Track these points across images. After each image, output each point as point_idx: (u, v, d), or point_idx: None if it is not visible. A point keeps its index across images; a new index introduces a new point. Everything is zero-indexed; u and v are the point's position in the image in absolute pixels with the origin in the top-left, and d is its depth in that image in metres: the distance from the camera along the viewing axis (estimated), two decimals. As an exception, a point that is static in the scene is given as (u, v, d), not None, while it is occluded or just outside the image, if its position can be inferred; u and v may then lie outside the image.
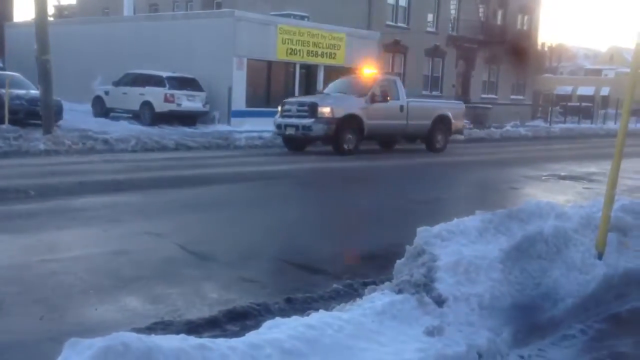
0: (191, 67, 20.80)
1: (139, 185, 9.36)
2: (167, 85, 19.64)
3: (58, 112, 15.92)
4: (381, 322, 3.33)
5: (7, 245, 5.71)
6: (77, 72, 24.11)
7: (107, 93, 21.23)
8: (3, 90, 15.97)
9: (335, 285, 4.72)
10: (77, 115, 18.90)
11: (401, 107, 16.16)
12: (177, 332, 3.60)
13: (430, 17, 32.23)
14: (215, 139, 16.48)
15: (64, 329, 3.81)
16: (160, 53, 22.13)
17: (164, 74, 20.01)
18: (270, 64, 22.55)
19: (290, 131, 15.13)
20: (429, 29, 32.04)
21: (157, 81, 19.86)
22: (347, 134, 14.86)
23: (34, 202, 7.71)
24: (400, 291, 3.61)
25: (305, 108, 14.92)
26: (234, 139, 16.78)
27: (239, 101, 21.27)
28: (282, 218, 7.60)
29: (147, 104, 19.65)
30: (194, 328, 3.86)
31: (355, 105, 15.20)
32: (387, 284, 3.86)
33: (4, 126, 15.06)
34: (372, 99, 15.42)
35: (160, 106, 19.41)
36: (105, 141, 14.10)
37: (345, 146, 14.85)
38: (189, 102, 19.92)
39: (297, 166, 12.92)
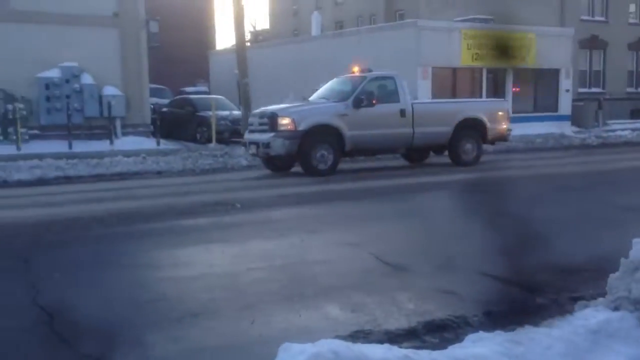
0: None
1: (327, 197, 9.73)
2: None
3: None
4: (595, 342, 3.08)
5: (219, 254, 6.25)
6: (272, 92, 25.71)
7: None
8: (210, 113, 17.61)
9: (538, 300, 4.47)
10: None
11: (402, 112, 12.67)
12: (377, 341, 3.67)
13: (632, 7, 29.42)
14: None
15: (272, 334, 4.05)
16: (347, 69, 22.81)
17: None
18: (455, 70, 22.19)
19: (252, 150, 12.48)
20: (631, 21, 29.23)
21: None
22: (317, 150, 11.81)
23: (241, 214, 8.36)
24: (616, 308, 3.31)
25: (265, 120, 12.17)
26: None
27: (425, 111, 21.16)
28: (472, 228, 7.39)
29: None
30: (393, 338, 3.89)
31: (329, 113, 12.12)
32: (600, 300, 3.56)
33: (211, 145, 16.60)
34: (356, 104, 12.18)
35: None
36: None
37: (318, 165, 11.85)
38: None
39: (493, 174, 12.50)
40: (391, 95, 12.78)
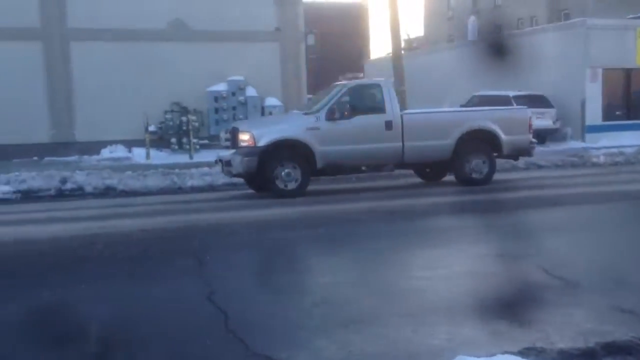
0: (538, 83, 20.14)
1: (490, 207, 9.39)
2: (514, 105, 19.35)
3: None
4: None
5: (379, 262, 6.25)
6: (429, 99, 25.49)
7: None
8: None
9: None
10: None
11: (388, 124, 11.06)
12: (552, 361, 3.44)
13: None
14: (569, 157, 15.59)
15: (437, 344, 3.96)
16: (506, 73, 21.94)
17: (511, 93, 19.79)
18: (629, 72, 20.45)
19: (220, 167, 11.50)
20: None
21: (504, 101, 19.74)
22: (281, 169, 10.61)
23: (398, 222, 8.32)
24: None
25: (229, 136, 11.23)
26: (590, 156, 15.62)
27: (594, 115, 19.76)
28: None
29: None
30: (567, 358, 3.65)
31: (297, 127, 10.85)
32: None
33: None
34: (329, 116, 10.81)
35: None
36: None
37: (284, 185, 10.64)
38: (537, 120, 19.20)
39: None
40: (376, 106, 11.21)
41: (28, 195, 11.61)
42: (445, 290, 5.16)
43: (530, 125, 11.99)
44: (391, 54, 16.28)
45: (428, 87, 26.16)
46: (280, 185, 10.56)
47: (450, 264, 6.05)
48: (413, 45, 43.69)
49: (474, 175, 11.51)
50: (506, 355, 2.71)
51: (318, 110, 10.92)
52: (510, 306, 4.67)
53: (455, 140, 11.34)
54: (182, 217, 9.19)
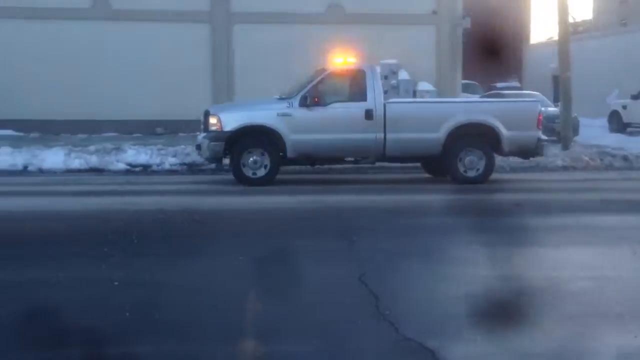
0: None
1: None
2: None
3: (575, 129, 15.90)
4: None
5: (537, 256, 5.89)
6: (593, 87, 23.72)
7: (624, 107, 20.19)
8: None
9: None
10: (591, 131, 18.52)
11: (368, 113, 10.05)
12: None
13: None
14: None
15: (605, 350, 3.64)
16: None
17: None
18: None
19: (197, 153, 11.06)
20: None
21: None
22: (248, 155, 9.96)
23: (559, 217, 7.81)
24: None
25: (202, 119, 10.60)
26: None
27: None
28: None
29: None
30: None
31: (268, 112, 10.11)
32: None
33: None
34: (303, 103, 10.01)
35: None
36: (625, 157, 13.34)
37: (250, 172, 9.99)
38: None
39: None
40: (357, 93, 10.31)
41: (191, 168, 12.35)
42: (614, 293, 4.73)
43: (539, 121, 10.52)
44: (557, 38, 15.18)
45: (595, 76, 24.32)
46: (247, 172, 10.04)
47: (618, 265, 5.53)
48: (580, 29, 40.76)
49: (468, 173, 10.29)
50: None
51: (293, 96, 10.26)
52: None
53: (446, 134, 10.18)
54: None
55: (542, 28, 67.57)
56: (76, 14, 18.16)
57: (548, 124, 16.73)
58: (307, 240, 6.41)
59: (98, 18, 18.32)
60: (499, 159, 11.08)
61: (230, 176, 10.33)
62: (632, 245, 6.15)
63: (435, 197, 9.41)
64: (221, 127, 10.07)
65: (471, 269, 5.41)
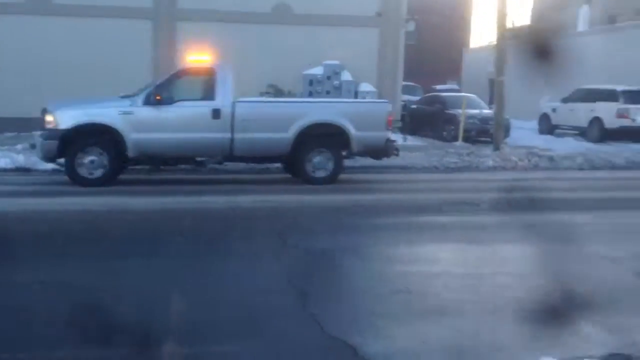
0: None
1: (585, 205, 8.99)
2: (621, 100, 18.32)
3: (506, 130, 16.53)
4: None
5: (460, 254, 6.19)
6: (525, 91, 24.57)
7: (554, 110, 21.06)
8: (459, 111, 17.47)
9: None
10: (522, 133, 19.29)
11: (216, 112, 9.93)
12: (637, 369, 3.31)
13: None
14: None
15: (518, 342, 3.91)
16: (617, 66, 20.84)
17: (619, 88, 18.74)
18: None
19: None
20: None
21: (609, 96, 18.73)
22: (85, 155, 9.61)
23: (483, 214, 8.17)
24: None
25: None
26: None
27: None
28: None
29: (596, 120, 18.73)
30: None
31: (108, 110, 9.80)
32: None
33: (457, 143, 16.45)
34: (147, 101, 9.81)
35: (610, 122, 18.24)
36: (550, 158, 13.99)
37: (87, 173, 9.64)
38: (652, 118, 18.16)
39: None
40: (205, 92, 10.22)
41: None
42: (532, 287, 5.05)
43: (389, 122, 10.68)
44: (496, 42, 15.77)
45: (530, 78, 25.17)
46: (84, 172, 9.62)
47: (538, 262, 5.90)
48: (519, 34, 42.13)
49: (317, 174, 10.29)
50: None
51: (137, 94, 10.00)
52: (599, 310, 4.50)
53: (295, 134, 10.12)
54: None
55: (482, 33, 69.51)
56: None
57: (482, 126, 17.43)
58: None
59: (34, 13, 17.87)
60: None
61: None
62: (554, 242, 6.54)
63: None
64: (56, 125, 9.64)
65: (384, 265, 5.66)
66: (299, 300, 4.58)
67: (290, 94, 18.73)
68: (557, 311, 4.46)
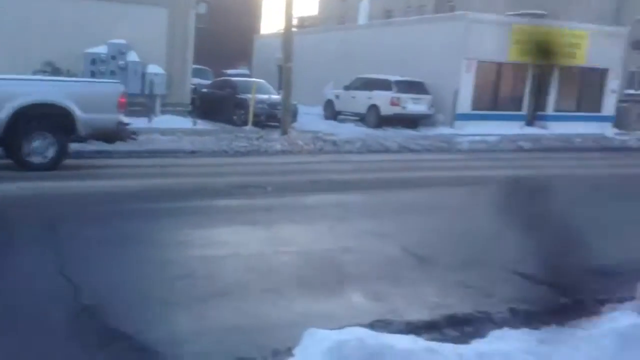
0: (420, 70, 20.96)
1: (364, 185, 9.68)
2: (394, 89, 20.04)
3: (294, 115, 17.15)
4: (623, 346, 3.01)
5: (247, 236, 6.29)
6: (313, 78, 25.74)
7: (337, 97, 22.36)
8: (249, 95, 17.72)
9: (562, 299, 4.39)
10: (309, 118, 20.20)
11: None
12: (398, 332, 3.66)
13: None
14: (438, 142, 16.40)
15: (294, 318, 4.09)
16: (391, 58, 22.67)
17: (392, 78, 20.46)
18: (500, 65, 21.77)
19: None
20: (688, 22, 28.19)
21: (384, 85, 20.39)
22: None
23: (271, 197, 8.41)
24: (643, 314, 3.21)
25: None
26: (457, 143, 16.52)
27: (465, 104, 20.88)
28: (504, 224, 7.26)
29: (373, 107, 20.28)
30: (413, 329, 3.88)
31: None
32: (629, 304, 3.47)
33: (247, 128, 16.70)
34: None
35: (386, 109, 19.89)
36: (334, 142, 14.84)
37: None
38: (414, 105, 20.10)
39: (525, 172, 12.27)
40: None
41: None
42: (311, 265, 5.30)
43: (121, 104, 9.98)
44: (283, 29, 16.21)
45: (317, 67, 26.42)
46: None
47: (317, 239, 6.22)
48: (306, 24, 43.83)
49: (34, 159, 9.41)
50: (355, 328, 2.85)
51: None
52: (368, 282, 4.89)
53: (9, 116, 9.19)
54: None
55: (272, 20, 71.33)
56: None
57: (271, 111, 17.89)
58: None
59: None
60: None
61: None
62: (330, 221, 6.95)
63: None
64: None
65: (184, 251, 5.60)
66: (70, 291, 4.30)
67: (69, 73, 17.38)
68: (330, 285, 4.77)
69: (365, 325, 3.79)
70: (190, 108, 18.51)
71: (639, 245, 5.93)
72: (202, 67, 25.16)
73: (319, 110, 22.77)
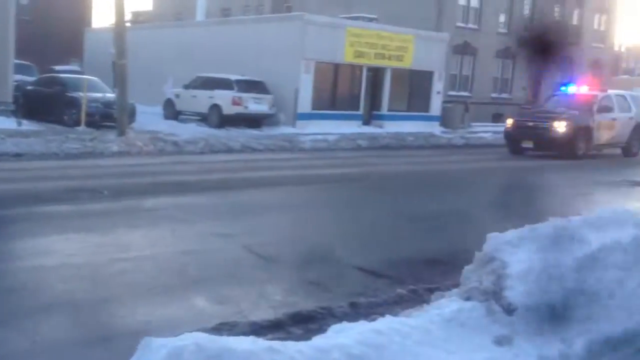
0: (260, 70, 21.09)
1: (207, 186, 9.54)
2: (236, 88, 19.98)
3: (131, 115, 16.45)
4: (449, 330, 3.25)
5: (81, 243, 5.92)
6: (151, 76, 24.88)
7: (177, 96, 21.80)
8: (81, 94, 16.68)
9: (399, 290, 4.66)
10: (148, 118, 19.49)
11: None
12: (242, 334, 3.64)
13: (502, 17, 31.45)
14: (281, 142, 16.63)
15: (134, 327, 3.91)
16: (231, 57, 22.57)
17: (233, 77, 20.37)
18: (337, 66, 22.58)
19: None
20: (500, 30, 31.26)
21: (225, 84, 20.24)
22: None
23: (107, 201, 7.98)
24: (468, 298, 3.51)
25: None
26: (299, 142, 16.88)
27: (305, 104, 21.38)
28: (346, 222, 7.58)
29: (215, 107, 20.05)
30: (258, 330, 3.89)
31: None
32: (454, 290, 3.77)
33: (80, 128, 15.73)
34: None
35: (228, 109, 19.76)
36: (175, 143, 14.47)
37: None
38: (256, 104, 20.19)
39: (364, 169, 12.87)
40: None
41: None
42: (151, 270, 5.12)
43: None
44: (114, 24, 15.40)
45: (155, 64, 25.58)
46: None
47: (158, 244, 6.02)
48: (140, 19, 42.23)
49: None
50: (194, 333, 2.78)
51: None
52: (212, 284, 4.83)
53: None
54: None
55: (105, 12, 67.71)
56: None
57: (106, 110, 16.96)
58: None
59: None
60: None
61: None
62: (172, 224, 6.77)
63: None
64: None
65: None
66: None
67: None
68: (173, 290, 4.64)
69: (209, 329, 3.73)
70: (13, 107, 17.01)
71: (466, 235, 6.44)
72: (26, 62, 23.23)
73: (159, 109, 22.06)
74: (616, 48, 47.47)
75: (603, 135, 16.95)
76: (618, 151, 17.86)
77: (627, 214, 4.51)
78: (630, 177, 12.81)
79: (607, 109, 17.13)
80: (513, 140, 17.23)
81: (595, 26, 36.50)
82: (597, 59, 36.35)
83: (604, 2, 36.43)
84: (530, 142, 16.66)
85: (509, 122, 17.62)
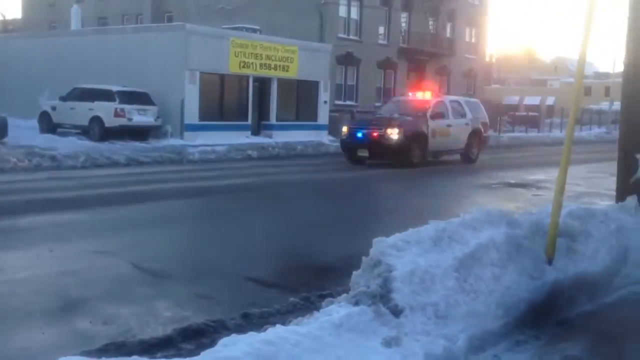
0: (143, 81, 20.47)
1: (88, 202, 9.11)
2: (118, 100, 19.26)
3: (3, 129, 15.42)
4: (339, 335, 3.30)
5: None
6: (25, 88, 23.50)
7: (54, 108, 20.68)
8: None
9: (291, 299, 4.68)
10: (22, 132, 18.33)
11: None
12: (130, 353, 3.50)
13: (381, 29, 32.66)
14: (168, 154, 16.24)
15: (10, 354, 3.66)
16: (111, 67, 21.76)
17: (114, 88, 19.63)
18: (223, 77, 22.41)
19: None
20: (380, 42, 32.44)
21: (107, 95, 19.46)
22: None
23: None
24: (357, 303, 3.59)
25: None
26: (187, 153, 16.57)
27: (192, 115, 21.03)
28: (235, 232, 7.51)
29: (96, 119, 19.22)
30: (147, 348, 3.76)
31: None
32: (344, 296, 3.84)
33: None
34: None
35: (110, 121, 19.02)
36: (53, 158, 13.71)
37: None
38: (140, 116, 19.57)
39: (255, 179, 12.84)
40: None
41: None
42: (29, 294, 4.80)
43: None
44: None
45: (28, 75, 24.19)
46: None
47: (35, 265, 5.67)
48: (9, 28, 39.68)
49: None
50: (74, 357, 2.65)
51: None
52: (96, 304, 4.61)
53: None
54: None
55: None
56: None
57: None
58: None
59: None
60: None
61: None
62: (50, 243, 6.39)
63: None
64: None
65: None
66: None
67: None
68: (54, 313, 4.39)
69: (93, 351, 3.56)
70: None
71: (354, 241, 6.59)
72: None
73: (34, 123, 20.81)
74: (487, 59, 50.80)
75: (439, 142, 16.34)
76: (458, 157, 17.39)
77: (499, 214, 4.83)
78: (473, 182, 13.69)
79: (441, 115, 16.59)
80: (349, 150, 16.30)
81: (467, 38, 38.86)
82: (470, 69, 38.75)
83: (474, 15, 38.90)
84: (365, 150, 15.77)
85: (344, 129, 16.53)
